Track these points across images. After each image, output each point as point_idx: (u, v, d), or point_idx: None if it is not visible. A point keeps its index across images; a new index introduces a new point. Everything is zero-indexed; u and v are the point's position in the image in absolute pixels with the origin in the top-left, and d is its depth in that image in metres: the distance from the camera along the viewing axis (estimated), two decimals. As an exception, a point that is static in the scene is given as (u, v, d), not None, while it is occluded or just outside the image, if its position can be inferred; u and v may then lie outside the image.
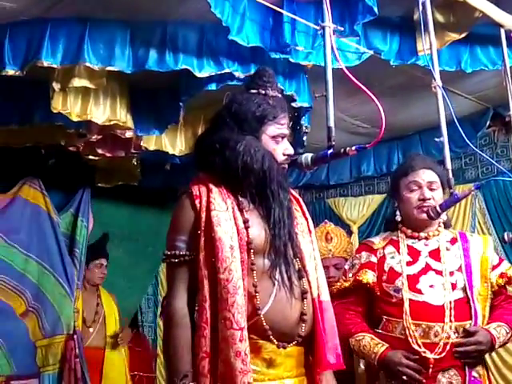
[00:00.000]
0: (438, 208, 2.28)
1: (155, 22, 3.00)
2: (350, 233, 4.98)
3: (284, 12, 2.84)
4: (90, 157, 3.99)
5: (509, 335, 2.43)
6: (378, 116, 1.78)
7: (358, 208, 5.14)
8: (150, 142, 3.85)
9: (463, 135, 2.33)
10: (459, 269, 2.47)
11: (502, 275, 2.50)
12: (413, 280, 2.45)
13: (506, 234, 2.72)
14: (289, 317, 1.73)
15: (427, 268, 2.48)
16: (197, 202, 1.75)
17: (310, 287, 1.81)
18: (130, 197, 4.85)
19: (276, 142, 1.85)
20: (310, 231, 1.92)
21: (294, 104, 3.32)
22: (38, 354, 4.13)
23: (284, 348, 1.72)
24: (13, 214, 4.23)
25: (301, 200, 1.98)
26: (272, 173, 1.77)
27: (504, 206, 4.22)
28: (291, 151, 1.87)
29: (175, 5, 2.88)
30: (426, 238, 2.55)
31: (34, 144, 3.96)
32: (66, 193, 4.64)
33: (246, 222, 1.74)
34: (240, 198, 1.79)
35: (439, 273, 2.45)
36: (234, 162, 1.76)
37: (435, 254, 2.51)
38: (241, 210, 1.76)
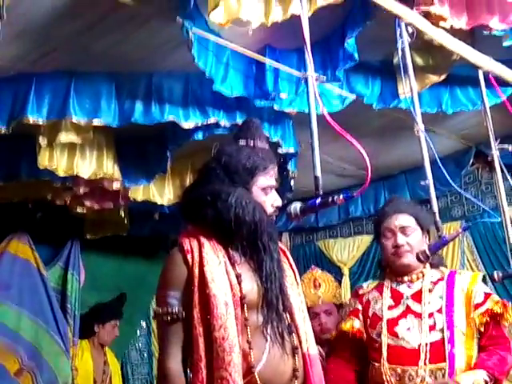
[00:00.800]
0: (427, 251, 2.27)
1: (140, 74, 3.02)
2: (340, 275, 4.98)
3: (267, 60, 2.88)
4: (78, 209, 3.97)
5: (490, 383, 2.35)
6: (363, 159, 1.78)
7: (347, 249, 5.12)
8: (138, 193, 3.84)
9: (447, 177, 2.33)
10: (439, 310, 2.44)
11: (484, 313, 2.42)
12: (392, 324, 2.45)
13: (495, 273, 2.73)
14: (282, 374, 1.71)
15: (407, 311, 2.47)
16: (189, 256, 1.73)
17: (300, 342, 1.79)
18: (119, 247, 4.79)
19: (265, 193, 1.86)
20: (297, 283, 1.92)
21: (279, 150, 3.35)
22: (32, 414, 3.98)
23: None
24: (1, 269, 4.16)
25: (287, 252, 1.98)
26: (263, 224, 1.77)
27: (492, 243, 4.22)
28: (279, 203, 1.88)
29: (160, 57, 2.90)
30: (411, 281, 2.54)
31: (20, 199, 3.93)
32: (55, 246, 4.59)
33: (238, 276, 1.72)
34: (231, 252, 1.78)
35: (418, 315, 2.44)
36: (227, 213, 1.75)
37: (417, 296, 2.49)
38: (232, 264, 1.74)
